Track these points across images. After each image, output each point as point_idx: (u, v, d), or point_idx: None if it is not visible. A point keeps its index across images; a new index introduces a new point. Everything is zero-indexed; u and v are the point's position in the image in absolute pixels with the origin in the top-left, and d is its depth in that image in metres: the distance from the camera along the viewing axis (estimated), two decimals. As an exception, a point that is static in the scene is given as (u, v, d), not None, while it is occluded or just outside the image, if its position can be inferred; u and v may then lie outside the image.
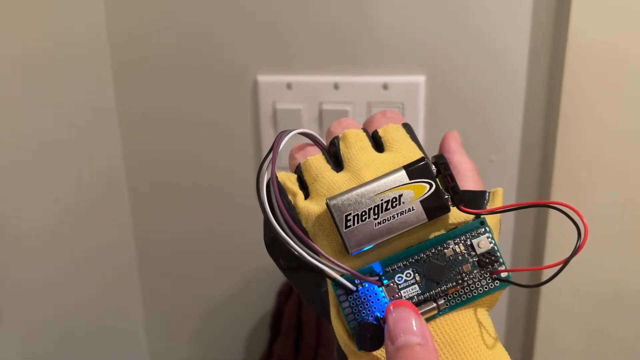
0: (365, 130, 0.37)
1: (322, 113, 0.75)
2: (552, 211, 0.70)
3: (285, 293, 0.79)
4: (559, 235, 0.70)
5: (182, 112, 0.81)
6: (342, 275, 0.30)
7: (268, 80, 0.76)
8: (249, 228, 0.84)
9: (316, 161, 0.35)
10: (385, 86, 0.73)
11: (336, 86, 0.74)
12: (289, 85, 0.75)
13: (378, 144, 0.36)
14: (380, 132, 0.36)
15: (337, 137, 0.36)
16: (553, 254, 0.71)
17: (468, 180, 0.35)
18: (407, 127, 0.37)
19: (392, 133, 0.36)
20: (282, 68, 0.76)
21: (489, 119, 0.72)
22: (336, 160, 0.35)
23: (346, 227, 0.30)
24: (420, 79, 0.72)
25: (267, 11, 0.74)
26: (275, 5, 0.73)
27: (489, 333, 0.31)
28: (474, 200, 0.33)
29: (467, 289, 0.31)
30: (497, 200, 0.34)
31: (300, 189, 0.35)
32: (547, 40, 0.69)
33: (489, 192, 0.34)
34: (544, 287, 0.72)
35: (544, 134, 0.72)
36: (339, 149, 0.35)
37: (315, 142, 0.37)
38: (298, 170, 0.36)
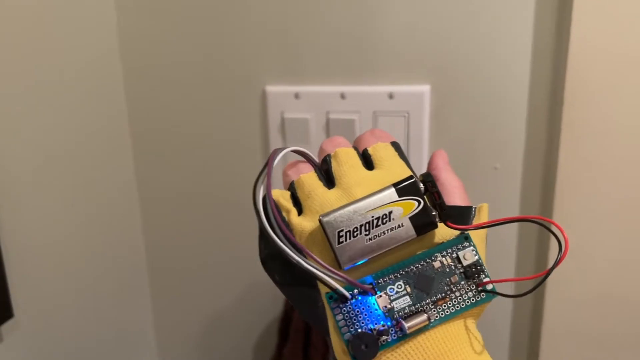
0: (355, 148, 0.39)
1: (329, 122, 0.77)
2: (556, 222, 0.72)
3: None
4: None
5: (192, 121, 0.84)
6: (341, 286, 0.32)
7: (276, 90, 0.79)
8: (257, 236, 0.85)
9: (309, 179, 0.37)
10: (390, 95, 0.75)
11: (343, 96, 0.76)
12: (296, 95, 0.78)
13: (368, 161, 0.38)
14: (370, 151, 0.38)
15: (329, 155, 0.38)
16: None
17: (455, 196, 0.37)
18: (396, 146, 0.39)
19: (380, 151, 0.38)
20: (290, 78, 0.78)
21: (492, 127, 0.74)
22: (328, 177, 0.38)
23: (339, 242, 0.33)
24: (425, 88, 0.74)
25: (276, 23, 0.76)
26: (284, 18, 0.76)
27: (478, 342, 0.33)
28: (461, 216, 0.36)
29: (455, 301, 0.33)
30: (483, 215, 0.36)
31: (294, 206, 0.37)
32: (549, 49, 0.71)
33: (475, 208, 0.36)
34: (547, 294, 0.74)
35: (547, 141, 0.73)
36: (331, 167, 0.37)
37: (308, 159, 0.39)
38: (291, 188, 0.38)
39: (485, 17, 0.71)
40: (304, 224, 0.35)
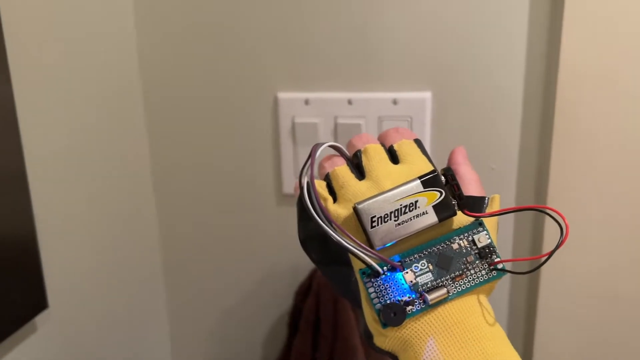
0: (382, 144, 0.45)
1: (337, 126, 0.82)
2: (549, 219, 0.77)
3: (303, 292, 0.86)
4: (555, 236, 0.78)
5: (208, 126, 0.88)
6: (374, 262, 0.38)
7: (288, 97, 0.83)
8: (268, 234, 0.91)
9: (342, 171, 0.43)
10: (394, 101, 0.80)
11: (350, 102, 0.81)
12: (306, 101, 0.83)
13: (394, 156, 0.44)
14: (396, 147, 0.44)
15: (359, 151, 0.44)
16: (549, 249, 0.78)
17: (472, 188, 0.43)
18: (418, 142, 0.45)
19: (405, 147, 0.44)
20: (300, 85, 0.83)
21: (489, 131, 0.79)
22: (359, 170, 0.43)
23: (371, 227, 0.38)
24: (427, 94, 0.79)
25: (287, 34, 0.81)
26: (294, 29, 0.81)
27: (489, 314, 0.39)
28: (476, 205, 0.41)
29: (470, 278, 0.39)
30: (495, 204, 0.42)
31: (329, 195, 0.43)
32: (541, 57, 0.76)
33: (488, 198, 0.42)
34: (541, 293, 0.80)
35: (539, 144, 0.79)
36: (361, 161, 0.43)
37: (341, 153, 0.45)
38: (327, 178, 0.44)
39: (481, 28, 0.76)
40: (339, 210, 0.41)
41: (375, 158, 0.43)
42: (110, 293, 0.83)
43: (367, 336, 0.41)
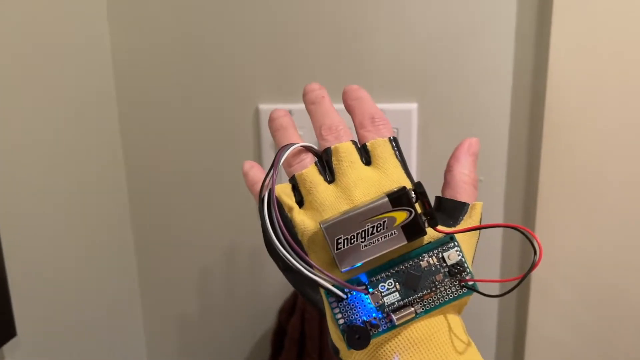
0: (354, 142, 0.43)
1: (321, 139, 0.82)
2: (538, 230, 0.77)
3: (287, 310, 0.85)
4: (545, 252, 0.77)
5: (184, 140, 0.88)
6: (333, 285, 0.37)
7: (270, 108, 0.83)
8: (249, 251, 0.90)
9: (310, 174, 0.42)
10: (380, 113, 0.80)
11: (334, 113, 0.81)
12: (290, 113, 0.81)
13: (367, 154, 0.42)
14: (369, 146, 0.42)
15: (330, 149, 0.42)
16: (538, 268, 0.77)
17: (460, 190, 0.42)
18: (394, 141, 0.43)
19: (379, 149, 0.42)
20: (283, 96, 0.83)
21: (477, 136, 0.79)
22: (329, 167, 0.42)
23: (337, 249, 0.37)
24: (413, 106, 0.79)
25: (269, 42, 0.81)
26: (277, 37, 0.81)
27: (460, 330, 0.38)
28: (454, 211, 0.41)
29: (439, 295, 0.38)
30: (475, 213, 0.41)
31: (296, 195, 0.42)
32: (529, 69, 0.76)
33: (468, 205, 0.41)
34: (532, 298, 0.79)
35: (527, 156, 0.78)
36: (332, 162, 0.42)
37: (312, 151, 0.44)
38: (293, 180, 0.42)
39: (468, 39, 0.76)
40: (306, 222, 0.40)
41: (345, 161, 0.42)
42: (82, 320, 0.82)
43: (335, 351, 0.40)
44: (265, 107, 0.83)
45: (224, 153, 0.87)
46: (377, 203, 0.38)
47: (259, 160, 0.86)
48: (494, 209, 0.81)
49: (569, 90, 0.73)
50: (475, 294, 0.39)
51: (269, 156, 0.85)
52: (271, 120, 0.47)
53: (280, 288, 0.91)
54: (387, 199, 0.38)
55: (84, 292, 0.82)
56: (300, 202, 0.42)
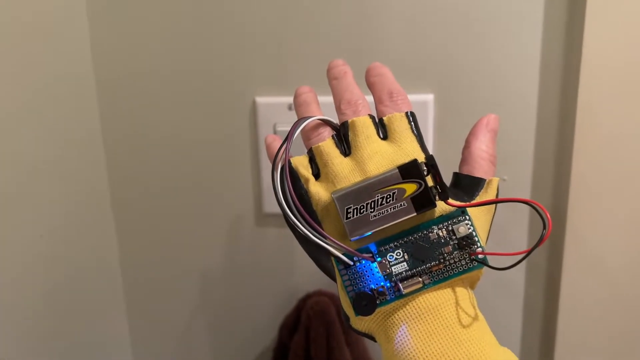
0: (372, 117, 0.54)
1: (328, 134, 0.92)
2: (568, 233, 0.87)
3: (289, 326, 0.95)
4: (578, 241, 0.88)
5: (177, 137, 0.97)
6: (342, 253, 0.48)
7: (267, 102, 0.93)
8: (246, 259, 1.01)
9: (327, 147, 0.53)
10: (392, 105, 0.90)
11: (342, 106, 0.91)
12: (290, 107, 0.92)
13: (383, 128, 0.54)
14: (385, 121, 0.54)
15: (347, 122, 0.54)
16: (569, 270, 0.88)
17: (476, 166, 0.53)
18: (411, 116, 0.54)
19: (395, 123, 0.53)
20: (282, 89, 0.92)
21: (499, 137, 0.84)
22: (346, 141, 0.54)
23: (346, 217, 0.48)
24: (429, 97, 0.89)
25: (266, 29, 0.90)
26: (275, 25, 0.90)
27: (469, 304, 0.49)
28: (470, 186, 0.52)
29: (448, 268, 0.48)
30: (491, 189, 0.52)
31: (313, 167, 0.53)
32: (559, 56, 0.84)
33: (485, 181, 0.52)
34: (562, 295, 0.89)
35: (557, 152, 0.88)
36: (348, 136, 0.54)
37: (330, 125, 0.55)
38: (310, 153, 0.54)
39: (492, 22, 0.85)
40: (321, 193, 0.51)
41: (362, 134, 0.53)
42: (65, 345, 0.92)
43: (345, 319, 0.51)
44: (263, 100, 0.93)
45: (219, 149, 0.96)
46: (387, 174, 0.49)
47: (256, 156, 0.95)
48: (520, 211, 0.90)
49: (605, 81, 0.81)
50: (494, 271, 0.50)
51: (263, 145, 0.93)
52: (296, 97, 0.59)
53: (281, 302, 1.01)
54: (397, 170, 0.48)
55: (69, 317, 0.92)
56: (317, 175, 0.53)
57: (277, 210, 0.93)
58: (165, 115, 0.97)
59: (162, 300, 1.06)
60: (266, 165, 0.96)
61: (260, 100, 0.93)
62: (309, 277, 1.01)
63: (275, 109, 0.93)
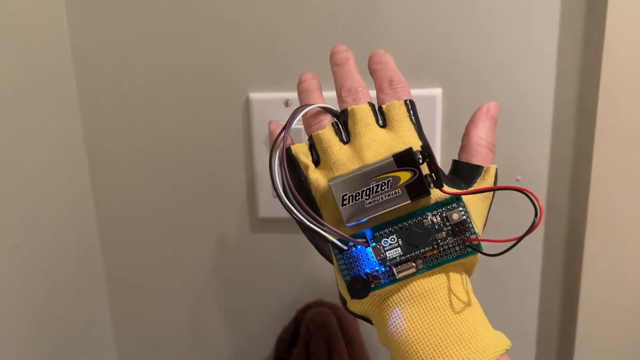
0: (371, 105, 0.62)
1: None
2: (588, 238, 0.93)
3: (287, 340, 1.02)
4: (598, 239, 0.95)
5: (165, 138, 1.04)
6: (338, 239, 0.56)
7: (262, 98, 0.99)
8: (241, 267, 1.08)
9: (326, 135, 0.62)
10: (397, 100, 0.96)
11: (343, 101, 0.97)
12: (286, 102, 0.98)
13: (382, 116, 0.62)
14: (385, 109, 0.62)
15: (347, 110, 0.62)
16: (585, 278, 0.95)
17: (474, 153, 0.61)
18: (410, 104, 0.62)
19: (394, 111, 0.62)
20: (278, 84, 0.98)
21: (512, 134, 0.95)
22: (345, 128, 0.62)
23: (342, 204, 0.56)
24: (437, 91, 0.95)
25: (261, 22, 0.96)
26: (271, 12, 0.96)
27: (463, 289, 0.57)
28: (468, 174, 0.60)
29: (442, 253, 0.56)
30: (489, 176, 0.60)
31: (313, 154, 0.61)
32: (577, 46, 0.90)
33: (482, 168, 0.60)
34: (581, 302, 0.96)
35: (575, 150, 0.94)
36: (348, 123, 0.62)
37: (330, 112, 0.63)
38: (310, 140, 0.63)
39: (503, 13, 0.90)
40: (319, 180, 0.60)
41: (361, 122, 0.61)
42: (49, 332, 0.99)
43: (342, 302, 0.60)
44: (257, 97, 0.99)
45: (211, 150, 1.03)
46: (382, 163, 0.56)
47: (250, 154, 1.02)
48: (533, 213, 0.96)
49: (629, 74, 0.86)
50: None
51: (261, 150, 1.00)
52: (298, 84, 0.67)
53: (279, 313, 1.08)
54: (392, 159, 0.56)
55: (56, 326, 0.99)
56: (318, 162, 0.62)
57: (274, 214, 1.03)
58: (151, 115, 1.04)
59: (149, 313, 1.13)
60: (261, 167, 1.02)
61: (255, 96, 0.99)
62: (308, 286, 1.07)
63: (270, 105, 0.99)
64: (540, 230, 0.99)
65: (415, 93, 0.87)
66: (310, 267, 1.07)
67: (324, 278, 1.07)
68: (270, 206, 1.04)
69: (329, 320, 1.00)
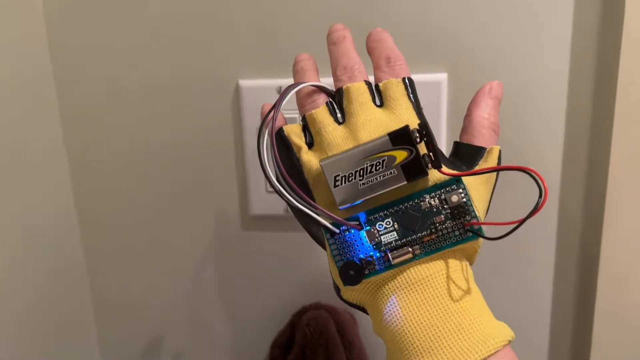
0: (368, 83, 0.65)
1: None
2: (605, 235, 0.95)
3: (282, 345, 1.04)
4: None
5: (148, 131, 1.06)
6: (331, 223, 0.58)
7: (253, 85, 1.00)
8: (231, 268, 1.09)
9: (320, 114, 0.64)
10: (399, 86, 0.98)
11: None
12: (280, 90, 0.99)
13: (379, 94, 0.64)
14: (381, 87, 0.64)
15: (341, 89, 0.64)
16: (603, 279, 0.97)
17: (476, 134, 0.64)
18: (408, 82, 0.64)
19: (391, 89, 0.64)
20: (271, 69, 1.00)
21: (523, 122, 0.97)
22: (340, 107, 0.64)
23: (335, 185, 0.58)
24: (442, 76, 0.98)
25: (252, 3, 0.97)
26: None
27: (462, 276, 0.58)
28: (470, 155, 0.62)
29: (440, 238, 0.58)
30: (492, 158, 0.62)
31: (307, 136, 0.64)
32: (594, 25, 0.90)
33: (485, 149, 0.62)
34: (597, 308, 0.98)
35: (590, 143, 0.95)
36: (343, 103, 0.64)
37: (325, 91, 0.66)
38: (304, 120, 0.65)
39: None
40: (312, 161, 0.62)
41: (356, 101, 0.64)
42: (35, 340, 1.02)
43: (336, 290, 0.62)
44: (248, 84, 1.00)
45: (198, 143, 1.05)
46: (377, 141, 0.59)
47: (241, 147, 1.04)
48: (545, 210, 0.99)
49: None
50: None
51: (253, 142, 1.03)
52: (294, 65, 0.70)
53: (273, 317, 1.10)
54: (387, 137, 0.58)
55: (41, 337, 1.01)
56: (311, 144, 0.64)
57: (267, 211, 1.05)
58: (133, 109, 1.06)
59: (134, 318, 1.15)
60: (254, 161, 1.04)
61: (245, 83, 1.01)
62: (304, 288, 1.09)
63: (262, 93, 1.01)
64: (552, 227, 1.01)
65: (419, 78, 0.95)
66: (306, 268, 1.08)
67: (321, 279, 1.08)
68: (263, 203, 1.06)
69: (327, 324, 1.01)
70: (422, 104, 0.66)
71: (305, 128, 0.66)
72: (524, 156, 0.98)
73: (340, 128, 0.63)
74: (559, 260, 1.03)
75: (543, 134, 0.97)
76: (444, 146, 1.00)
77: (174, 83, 1.03)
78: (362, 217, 0.59)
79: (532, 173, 0.55)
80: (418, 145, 0.58)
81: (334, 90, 0.66)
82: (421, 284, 0.58)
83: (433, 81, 0.99)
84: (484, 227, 0.59)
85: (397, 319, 0.57)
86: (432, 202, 0.60)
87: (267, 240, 1.09)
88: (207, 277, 1.12)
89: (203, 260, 1.11)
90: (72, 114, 1.08)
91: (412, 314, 0.56)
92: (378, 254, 0.59)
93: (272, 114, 0.63)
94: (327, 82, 0.69)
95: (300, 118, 0.66)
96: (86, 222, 1.13)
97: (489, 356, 0.54)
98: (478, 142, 0.64)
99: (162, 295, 1.14)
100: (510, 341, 0.56)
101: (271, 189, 1.03)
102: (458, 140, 0.66)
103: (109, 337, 1.18)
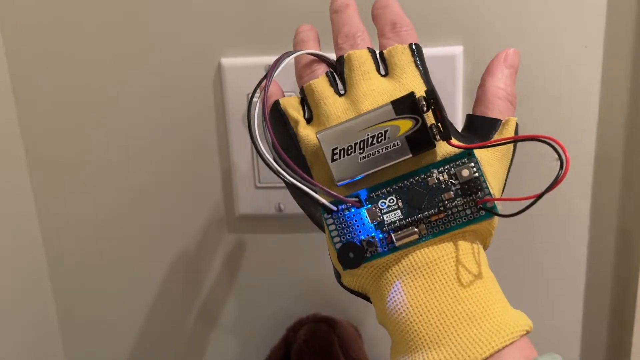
0: (371, 50, 0.69)
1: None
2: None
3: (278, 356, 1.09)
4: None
5: (118, 119, 1.10)
6: (329, 201, 0.63)
7: (237, 63, 1.04)
8: (216, 274, 1.14)
9: (319, 85, 0.69)
10: (410, 60, 1.02)
11: (340, 65, 1.02)
12: (267, 69, 0.97)
13: (384, 63, 0.68)
14: (386, 54, 0.69)
15: (342, 57, 0.69)
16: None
17: (491, 106, 0.68)
18: (415, 48, 0.69)
19: (396, 57, 0.69)
20: (258, 46, 1.04)
21: (547, 100, 1.01)
22: (342, 78, 0.69)
23: (332, 160, 0.63)
24: (458, 49, 1.02)
25: None
26: None
27: (474, 259, 0.63)
28: (484, 128, 0.66)
29: (449, 217, 0.63)
30: (508, 130, 0.66)
31: (305, 109, 0.68)
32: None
33: (500, 122, 0.67)
34: (637, 310, 1.04)
35: (628, 123, 0.99)
36: (344, 72, 0.69)
37: (324, 60, 0.71)
38: (302, 93, 0.70)
39: None
40: (310, 136, 0.67)
41: (358, 70, 0.69)
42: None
43: (336, 276, 0.67)
44: (231, 62, 1.05)
45: (175, 131, 1.09)
46: (378, 110, 0.63)
47: (225, 136, 1.07)
48: (578, 205, 1.03)
49: None
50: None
51: (238, 131, 1.06)
52: (294, 36, 0.75)
53: (265, 331, 1.14)
54: (390, 105, 0.63)
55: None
56: (310, 119, 0.69)
57: (256, 210, 1.10)
58: (100, 94, 1.10)
59: (105, 331, 1.20)
60: (240, 153, 1.08)
61: (227, 62, 1.06)
62: (300, 297, 1.13)
63: (247, 73, 1.05)
64: (584, 231, 1.06)
65: (431, 52, 1.00)
66: (302, 275, 1.12)
67: (319, 287, 1.12)
68: (252, 201, 1.09)
69: (328, 340, 1.04)
70: (434, 81, 0.68)
71: (304, 101, 0.70)
72: (546, 156, 1.01)
73: (341, 100, 0.68)
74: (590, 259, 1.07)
75: (571, 114, 1.01)
76: (459, 126, 0.97)
77: (146, 64, 1.07)
78: (363, 195, 0.64)
79: (552, 142, 0.56)
80: (425, 115, 0.62)
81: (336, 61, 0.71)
82: (427, 267, 0.62)
83: (447, 55, 1.03)
84: (498, 206, 0.62)
85: (402, 307, 0.61)
86: (441, 178, 0.64)
87: (257, 243, 1.12)
88: (188, 287, 1.16)
89: (183, 267, 1.15)
90: (29, 103, 1.12)
91: (418, 301, 0.60)
92: (381, 235, 0.63)
93: (264, 83, 0.67)
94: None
95: (299, 89, 0.70)
96: (48, 224, 1.18)
97: (503, 347, 0.56)
98: (493, 113, 0.68)
99: (135, 306, 1.18)
100: (528, 331, 0.59)
101: (261, 184, 1.06)
102: (471, 113, 0.69)
103: (75, 351, 1.23)
